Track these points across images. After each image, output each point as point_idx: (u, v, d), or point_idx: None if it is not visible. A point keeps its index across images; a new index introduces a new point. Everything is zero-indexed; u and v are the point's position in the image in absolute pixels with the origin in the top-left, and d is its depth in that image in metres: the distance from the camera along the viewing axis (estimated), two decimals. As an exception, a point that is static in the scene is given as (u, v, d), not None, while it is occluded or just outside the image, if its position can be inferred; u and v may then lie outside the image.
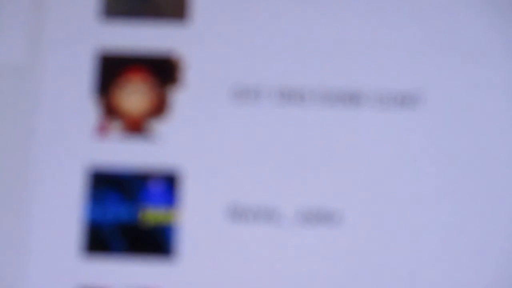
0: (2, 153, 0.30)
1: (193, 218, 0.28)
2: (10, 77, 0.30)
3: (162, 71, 0.30)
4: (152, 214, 0.29)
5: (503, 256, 0.28)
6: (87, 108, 0.30)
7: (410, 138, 0.28)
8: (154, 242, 0.28)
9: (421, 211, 0.28)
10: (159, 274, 0.28)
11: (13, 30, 0.30)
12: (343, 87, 0.29)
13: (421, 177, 0.28)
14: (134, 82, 0.29)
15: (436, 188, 0.28)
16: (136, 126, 0.29)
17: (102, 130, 0.29)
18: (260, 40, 0.30)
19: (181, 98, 0.29)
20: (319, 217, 0.28)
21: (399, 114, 0.29)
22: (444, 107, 0.28)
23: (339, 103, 0.29)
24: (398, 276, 0.27)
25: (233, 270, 0.28)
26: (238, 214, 0.28)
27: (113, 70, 0.30)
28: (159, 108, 0.29)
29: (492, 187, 0.28)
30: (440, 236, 0.28)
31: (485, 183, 0.28)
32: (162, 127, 0.29)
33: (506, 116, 0.28)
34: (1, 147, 0.30)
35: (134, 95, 0.30)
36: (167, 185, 0.28)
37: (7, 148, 0.29)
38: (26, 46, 0.31)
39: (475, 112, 0.28)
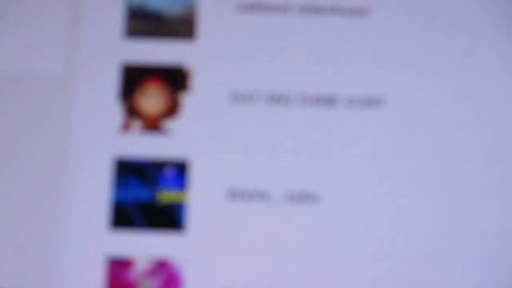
0: (45, 147, 0.32)
1: (199, 198, 0.31)
2: (51, 84, 0.33)
3: (174, 79, 0.33)
4: (166, 195, 0.32)
5: (455, 242, 0.30)
6: (114, 110, 0.33)
7: (374, 132, 0.32)
8: (168, 218, 0.31)
9: (382, 193, 0.32)
10: (171, 244, 0.31)
11: (54, 45, 0.34)
12: (320, 91, 0.32)
13: (383, 163, 0.32)
14: (151, 89, 0.33)
15: (394, 173, 0.32)
16: (153, 124, 0.32)
17: (125, 127, 0.32)
18: (253, 55, 0.33)
19: (189, 101, 0.32)
20: (301, 197, 0.31)
21: (366, 113, 0.32)
22: (400, 108, 0.32)
23: (317, 104, 0.32)
24: (363, 247, 0.31)
25: (231, 241, 0.31)
26: (236, 195, 0.31)
27: (134, 78, 0.33)
28: (171, 109, 0.33)
29: (440, 174, 0.31)
30: (394, 217, 0.31)
31: (433, 170, 0.31)
32: (174, 125, 0.32)
33: (452, 115, 0.32)
34: (44, 142, 0.33)
35: (151, 99, 0.33)
36: (178, 172, 0.32)
37: (49, 143, 0.32)
38: (64, 58, 0.34)
39: (425, 112, 0.32)
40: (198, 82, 0.33)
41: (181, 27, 0.33)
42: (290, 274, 0.31)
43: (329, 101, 0.32)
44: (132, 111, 0.33)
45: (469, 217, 0.31)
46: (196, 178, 0.32)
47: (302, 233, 0.31)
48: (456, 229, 0.31)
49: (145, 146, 0.32)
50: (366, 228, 0.31)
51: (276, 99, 0.32)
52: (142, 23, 0.34)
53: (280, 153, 0.32)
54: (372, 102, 0.32)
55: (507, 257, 0.31)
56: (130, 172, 0.32)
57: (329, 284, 0.31)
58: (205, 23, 0.33)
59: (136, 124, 0.32)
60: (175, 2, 0.33)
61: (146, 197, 0.32)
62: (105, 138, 0.32)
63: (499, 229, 0.31)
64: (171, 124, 0.32)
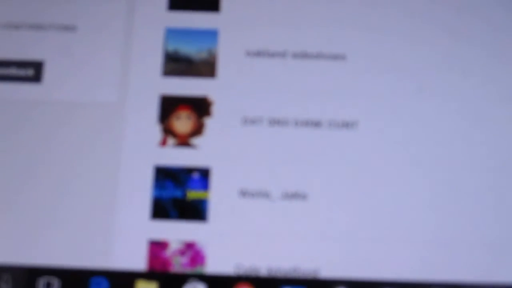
0: (103, 158, 0.36)
1: (217, 196, 0.35)
2: (107, 110, 0.37)
3: (200, 107, 0.37)
4: (193, 193, 0.35)
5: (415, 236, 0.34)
6: (154, 130, 0.36)
7: (348, 147, 0.36)
8: (194, 210, 0.35)
9: (354, 193, 0.35)
10: (196, 230, 0.35)
11: (109, 80, 0.37)
12: (309, 117, 0.36)
13: (355, 171, 0.36)
14: (182, 114, 0.37)
15: (363, 179, 0.36)
16: (183, 141, 0.36)
17: (163, 143, 0.36)
18: (258, 89, 0.37)
19: (210, 123, 0.36)
20: (293, 196, 0.35)
21: (342, 133, 0.36)
22: (368, 130, 0.36)
23: (307, 126, 0.36)
24: (339, 232, 0.35)
25: (241, 228, 0.35)
26: (245, 194, 0.35)
27: (170, 106, 0.37)
28: (197, 130, 0.36)
29: (396, 180, 0.35)
30: (363, 211, 0.35)
31: (391, 177, 0.35)
32: (199, 141, 0.36)
33: (405, 135, 0.36)
34: (102, 154, 0.36)
35: (182, 122, 0.37)
36: (202, 176, 0.36)
37: (106, 155, 0.36)
38: (117, 90, 0.37)
39: (387, 132, 0.36)
40: (217, 109, 0.37)
41: (205, 68, 0.37)
42: (285, 252, 0.35)
43: (315, 124, 0.36)
44: (168, 131, 0.36)
45: (429, 224, 0.35)
46: (215, 181, 0.35)
47: (294, 222, 0.35)
48: (417, 235, 0.34)
49: (177, 157, 0.36)
50: (341, 219, 0.35)
51: (276, 122, 0.36)
52: (176, 65, 0.37)
53: (278, 163, 0.36)
54: (347, 125, 0.36)
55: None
56: (166, 176, 0.35)
57: (314, 259, 0.34)
58: (222, 65, 0.38)
59: (171, 141, 0.36)
60: (200, 49, 0.37)
61: (178, 195, 0.35)
62: (148, 151, 0.36)
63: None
64: (197, 141, 0.36)
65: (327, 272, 0.34)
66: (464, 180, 0.36)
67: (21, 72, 0.37)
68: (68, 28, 0.38)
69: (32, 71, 0.37)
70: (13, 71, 0.37)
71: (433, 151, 0.37)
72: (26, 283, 0.34)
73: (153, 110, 0.37)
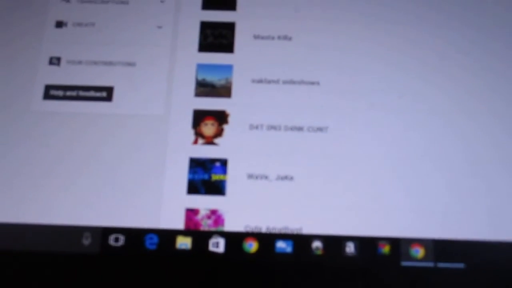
0: (153, 154, 0.40)
1: (231, 178, 0.40)
2: (156, 121, 0.41)
3: (220, 118, 0.41)
4: (215, 176, 0.40)
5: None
6: (190, 134, 0.41)
7: (321, 145, 0.40)
8: (216, 188, 0.40)
9: (327, 176, 0.39)
10: (218, 201, 0.39)
11: (157, 98, 0.41)
12: (294, 124, 0.41)
13: (327, 162, 0.40)
14: (208, 122, 0.41)
15: (334, 168, 0.40)
16: (209, 141, 0.41)
17: (195, 142, 0.41)
18: (260, 106, 0.41)
19: (227, 128, 0.41)
20: (285, 178, 0.40)
21: (317, 134, 0.41)
22: (335, 132, 0.41)
23: (293, 130, 0.41)
24: (319, 204, 0.39)
25: (249, 200, 0.39)
26: (251, 177, 0.40)
27: (200, 117, 0.41)
28: (218, 133, 0.41)
29: (359, 171, 0.39)
30: (335, 189, 0.38)
31: (355, 169, 0.40)
32: (219, 141, 0.41)
33: (369, 135, 0.40)
34: (153, 151, 0.40)
35: (208, 128, 0.41)
36: (222, 165, 0.40)
37: (155, 151, 0.40)
38: (164, 106, 0.41)
39: (348, 134, 0.40)
40: (231, 119, 0.41)
41: (224, 91, 0.41)
42: (279, 217, 0.39)
43: (298, 129, 0.41)
44: (198, 134, 0.41)
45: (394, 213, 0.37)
46: (230, 168, 0.40)
47: (285, 196, 0.39)
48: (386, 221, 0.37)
49: (205, 152, 0.40)
50: (318, 193, 0.39)
51: (272, 127, 0.41)
52: (204, 89, 0.42)
53: (274, 155, 0.40)
54: (321, 129, 0.41)
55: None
56: (197, 165, 0.40)
57: (298, 221, 0.38)
58: (235, 89, 0.42)
59: (200, 141, 0.40)
60: (220, 78, 0.42)
61: (205, 177, 0.39)
62: (185, 148, 0.40)
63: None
64: (218, 141, 0.40)
65: (307, 230, 0.38)
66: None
67: (98, 94, 0.41)
68: (130, 64, 0.42)
69: (105, 93, 0.42)
70: (92, 93, 0.42)
71: (388, 142, 0.40)
72: (104, 240, 0.38)
73: (188, 120, 0.41)
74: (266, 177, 0.40)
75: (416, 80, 0.42)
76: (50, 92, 0.42)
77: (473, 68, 0.41)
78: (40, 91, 0.42)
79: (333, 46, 0.42)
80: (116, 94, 0.42)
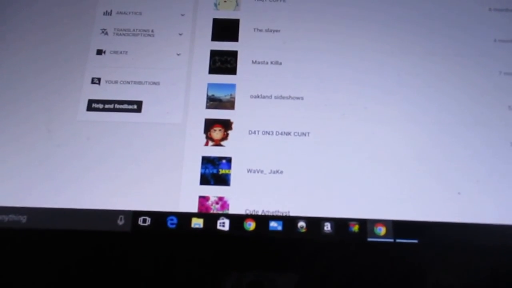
0: (173, 157, 0.45)
1: (235, 172, 0.46)
2: (175, 128, 0.46)
3: (226, 125, 0.47)
4: (222, 170, 0.46)
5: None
6: (202, 138, 0.45)
7: (304, 146, 0.46)
8: (222, 179, 0.46)
9: (312, 166, 0.44)
10: (224, 190, 0.46)
11: (176, 110, 0.47)
12: (283, 130, 0.47)
13: (309, 159, 0.45)
14: (217, 128, 0.47)
15: (316, 164, 0.45)
16: (217, 143, 0.47)
17: (206, 144, 0.47)
18: (256, 116, 0.46)
19: (231, 134, 0.47)
20: (276, 172, 0.46)
21: (301, 139, 0.47)
22: (315, 136, 0.47)
23: (282, 135, 0.47)
24: (304, 192, 0.44)
25: (248, 189, 0.45)
26: (249, 171, 0.46)
27: (210, 124, 0.46)
28: (224, 137, 0.47)
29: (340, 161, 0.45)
30: (320, 179, 0.43)
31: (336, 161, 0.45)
32: (225, 143, 0.47)
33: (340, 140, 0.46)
34: (174, 154, 0.45)
35: (216, 133, 0.47)
36: (227, 162, 0.46)
37: (175, 153, 0.45)
38: (181, 115, 0.47)
39: (325, 137, 0.47)
40: (234, 126, 0.47)
41: (228, 104, 0.47)
42: (271, 202, 0.45)
43: (286, 134, 0.47)
44: (209, 138, 0.47)
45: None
46: (234, 164, 0.46)
47: (277, 187, 0.46)
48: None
49: (214, 152, 0.47)
50: (303, 183, 0.45)
51: (266, 133, 0.47)
52: (213, 102, 0.48)
53: (267, 155, 0.47)
54: (304, 134, 0.47)
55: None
56: (208, 162, 0.46)
57: (287, 206, 0.44)
58: (238, 103, 0.48)
59: (210, 143, 0.47)
60: (226, 94, 0.48)
61: (214, 171, 0.46)
62: (198, 149, 0.47)
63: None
64: (224, 143, 0.47)
65: (294, 212, 0.45)
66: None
67: (130, 106, 0.48)
68: (155, 83, 0.49)
69: (136, 106, 0.48)
70: (125, 106, 0.48)
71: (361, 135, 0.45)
72: (134, 221, 0.42)
73: (201, 127, 0.47)
74: (261, 171, 0.46)
75: (377, 95, 0.48)
76: (92, 105, 0.48)
77: (421, 87, 0.48)
78: (84, 105, 0.48)
79: (314, 69, 0.49)
80: (144, 107, 0.48)
